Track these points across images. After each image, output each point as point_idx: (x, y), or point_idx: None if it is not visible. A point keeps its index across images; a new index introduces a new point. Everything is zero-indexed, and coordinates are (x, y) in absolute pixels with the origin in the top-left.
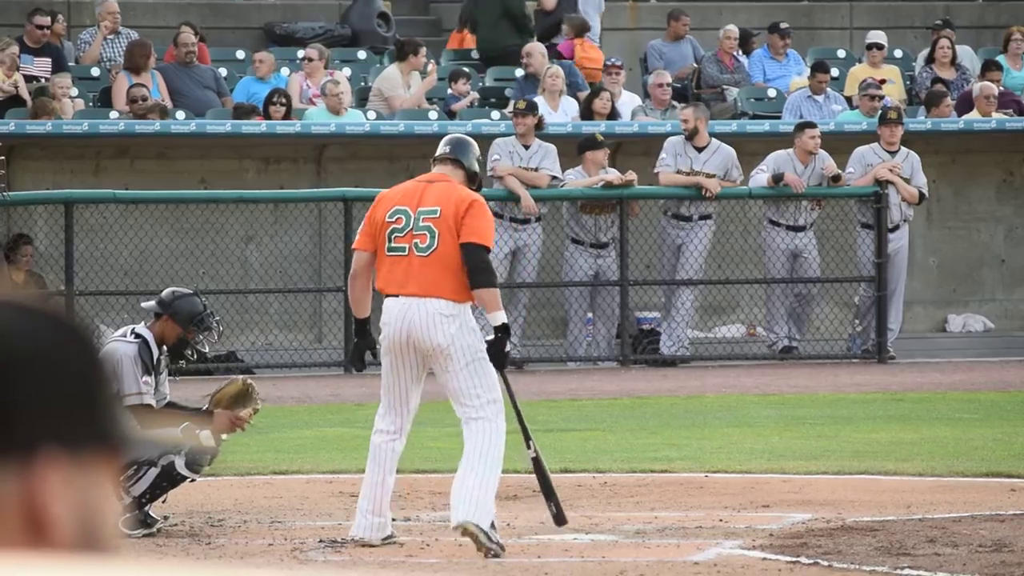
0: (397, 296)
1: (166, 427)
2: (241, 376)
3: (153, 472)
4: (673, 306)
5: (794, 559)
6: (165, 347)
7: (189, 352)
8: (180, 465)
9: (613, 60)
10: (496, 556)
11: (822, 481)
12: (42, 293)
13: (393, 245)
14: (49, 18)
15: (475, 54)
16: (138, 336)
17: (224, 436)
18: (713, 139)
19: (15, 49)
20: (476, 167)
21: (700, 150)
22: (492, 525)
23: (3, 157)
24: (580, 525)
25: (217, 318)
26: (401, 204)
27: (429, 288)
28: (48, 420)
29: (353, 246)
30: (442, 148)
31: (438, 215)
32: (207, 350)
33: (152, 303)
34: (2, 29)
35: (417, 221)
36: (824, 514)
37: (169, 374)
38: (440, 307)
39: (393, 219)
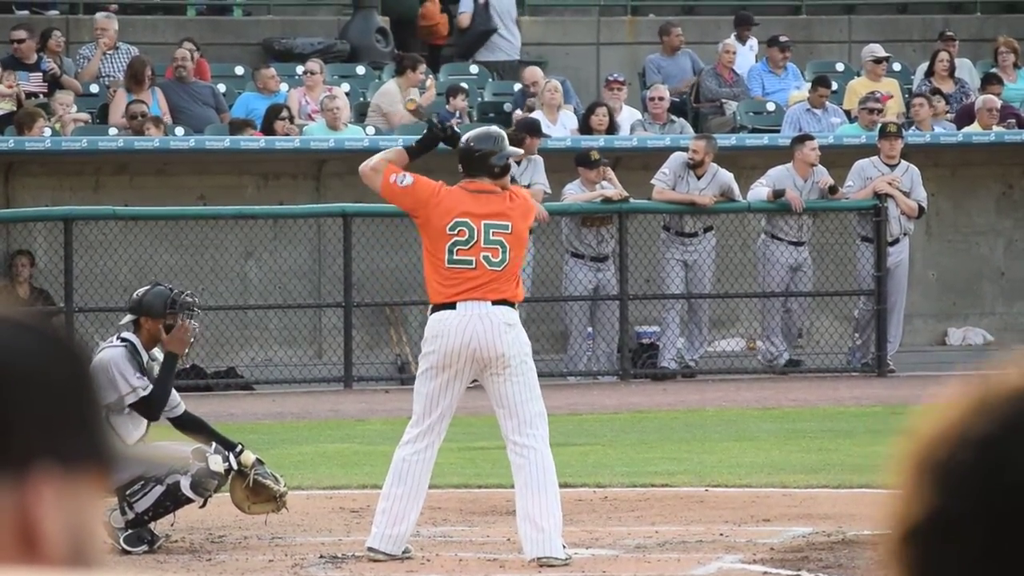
0: (455, 306)
1: (180, 445)
2: (283, 493)
3: (158, 490)
4: (691, 319)
5: (795, 573)
6: (161, 347)
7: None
8: (185, 486)
9: (615, 75)
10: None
11: (823, 495)
12: (47, 310)
13: (456, 258)
14: (25, 32)
15: (473, 68)
16: (124, 340)
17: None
18: (711, 164)
19: None
20: (499, 161)
21: (699, 177)
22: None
23: None
24: (580, 540)
25: (188, 291)
26: (461, 216)
27: (496, 296)
28: (42, 435)
29: (381, 190)
30: (464, 158)
31: (509, 231)
32: (198, 324)
33: (126, 317)
34: (1, 47)
35: (486, 234)
36: (825, 528)
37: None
38: (505, 316)
39: (455, 232)
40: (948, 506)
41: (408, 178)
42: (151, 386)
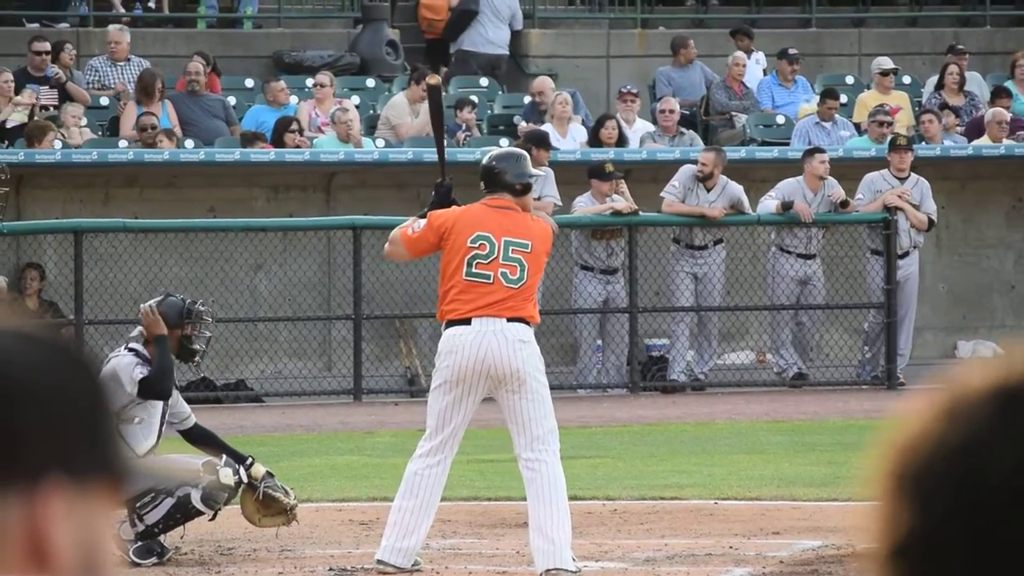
0: (470, 322)
1: (191, 457)
2: (293, 506)
3: (169, 502)
4: (700, 332)
5: None
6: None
7: (197, 346)
8: (196, 499)
9: (628, 87)
10: None
11: (832, 508)
12: (55, 322)
13: (475, 271)
14: (48, 44)
15: (483, 81)
16: (131, 349)
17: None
18: (721, 177)
19: (9, 76)
20: (519, 179)
21: (709, 190)
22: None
23: (7, 189)
24: (590, 552)
25: (201, 301)
26: (483, 231)
27: (512, 314)
28: (52, 448)
29: (410, 252)
30: (486, 176)
31: (529, 249)
32: (211, 333)
33: (136, 329)
34: (11, 60)
35: (505, 251)
36: (835, 541)
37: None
38: (520, 333)
39: (476, 245)
40: (929, 519)
41: (420, 220)
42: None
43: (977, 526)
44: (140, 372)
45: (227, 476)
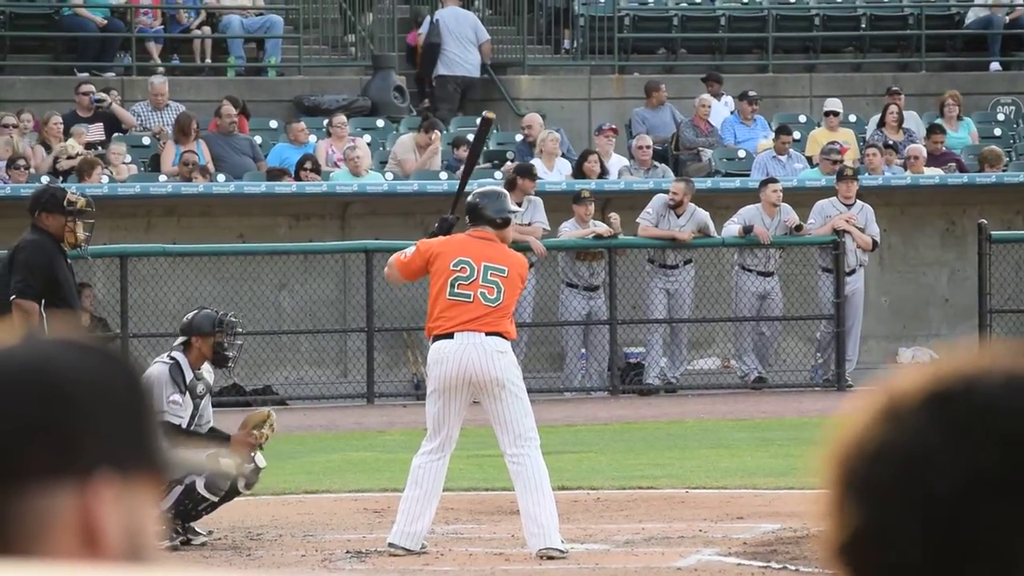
0: (453, 335)
1: (198, 449)
2: (268, 408)
3: (178, 489)
4: (672, 341)
5: (765, 564)
6: (208, 364)
7: (230, 352)
8: (200, 486)
9: (608, 124)
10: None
11: (790, 495)
12: (105, 335)
13: (457, 291)
14: (93, 86)
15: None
16: (172, 359)
17: (258, 460)
18: (690, 204)
19: (58, 118)
20: (499, 214)
21: (679, 216)
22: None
23: (92, 221)
24: (576, 536)
25: (231, 313)
26: (464, 256)
27: (490, 329)
28: (104, 446)
29: (403, 275)
30: (471, 211)
31: (506, 274)
32: (242, 341)
33: (178, 339)
34: (63, 105)
35: (484, 274)
36: (792, 525)
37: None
38: (497, 345)
39: (458, 268)
40: (874, 521)
41: (411, 247)
42: (173, 415)
43: (921, 525)
44: (169, 416)
45: (227, 465)
